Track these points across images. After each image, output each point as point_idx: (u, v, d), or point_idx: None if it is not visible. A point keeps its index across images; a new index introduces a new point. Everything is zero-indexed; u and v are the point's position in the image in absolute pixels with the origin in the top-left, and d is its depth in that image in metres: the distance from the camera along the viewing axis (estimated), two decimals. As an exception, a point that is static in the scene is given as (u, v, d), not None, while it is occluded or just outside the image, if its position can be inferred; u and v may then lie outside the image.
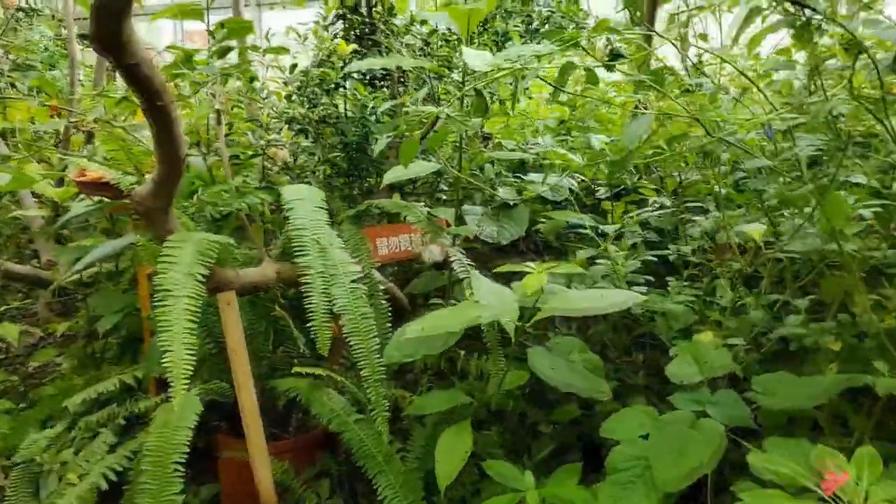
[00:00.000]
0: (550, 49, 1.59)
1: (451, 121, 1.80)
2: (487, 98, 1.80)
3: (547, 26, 3.46)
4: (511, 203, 2.92)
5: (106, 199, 2.57)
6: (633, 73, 1.57)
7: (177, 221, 2.05)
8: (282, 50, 2.31)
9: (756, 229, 1.68)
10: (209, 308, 2.35)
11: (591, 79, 1.56)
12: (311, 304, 1.91)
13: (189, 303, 1.67)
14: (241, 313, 2.16)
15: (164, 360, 1.58)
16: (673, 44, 1.81)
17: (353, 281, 1.98)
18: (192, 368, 1.60)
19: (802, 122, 1.41)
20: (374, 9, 2.85)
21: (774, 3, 1.38)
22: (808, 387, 1.69)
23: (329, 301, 1.93)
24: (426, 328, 1.73)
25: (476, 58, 1.61)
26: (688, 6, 1.88)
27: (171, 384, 1.57)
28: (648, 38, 1.80)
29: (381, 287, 2.46)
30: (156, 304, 1.69)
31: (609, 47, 1.55)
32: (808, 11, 1.34)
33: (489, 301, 1.89)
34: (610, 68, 1.56)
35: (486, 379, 2.35)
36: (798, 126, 1.47)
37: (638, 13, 1.49)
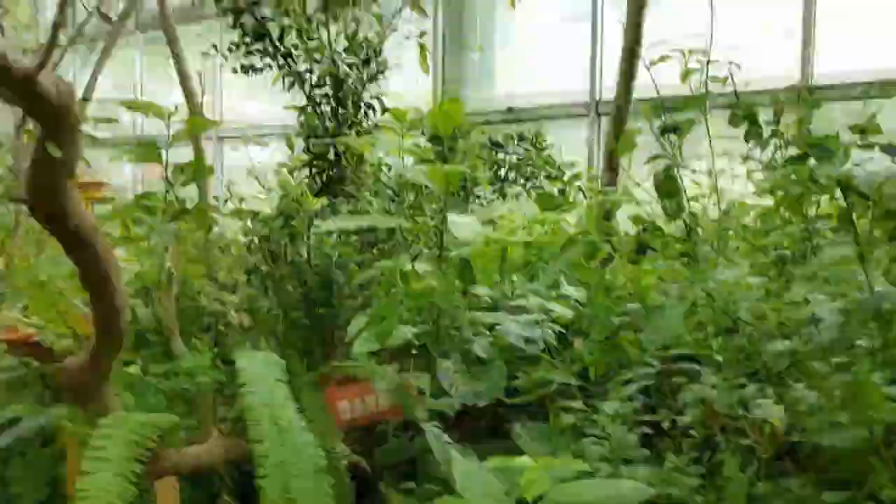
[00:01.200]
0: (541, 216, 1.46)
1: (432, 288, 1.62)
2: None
3: (516, 173, 3.41)
4: (485, 358, 2.72)
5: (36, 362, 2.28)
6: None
7: (114, 398, 1.78)
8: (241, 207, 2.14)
9: (777, 416, 1.49)
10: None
11: (591, 253, 1.42)
12: (267, 503, 1.61)
13: (117, 516, 1.37)
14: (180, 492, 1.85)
15: None
16: (658, 205, 1.70)
17: (317, 472, 1.70)
18: None
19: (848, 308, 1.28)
20: (343, 155, 2.74)
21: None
22: None
23: (289, 499, 1.64)
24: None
25: (462, 226, 1.46)
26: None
27: None
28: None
29: (344, 462, 2.16)
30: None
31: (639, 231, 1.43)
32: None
33: (473, 495, 1.63)
34: (641, 255, 1.42)
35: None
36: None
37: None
